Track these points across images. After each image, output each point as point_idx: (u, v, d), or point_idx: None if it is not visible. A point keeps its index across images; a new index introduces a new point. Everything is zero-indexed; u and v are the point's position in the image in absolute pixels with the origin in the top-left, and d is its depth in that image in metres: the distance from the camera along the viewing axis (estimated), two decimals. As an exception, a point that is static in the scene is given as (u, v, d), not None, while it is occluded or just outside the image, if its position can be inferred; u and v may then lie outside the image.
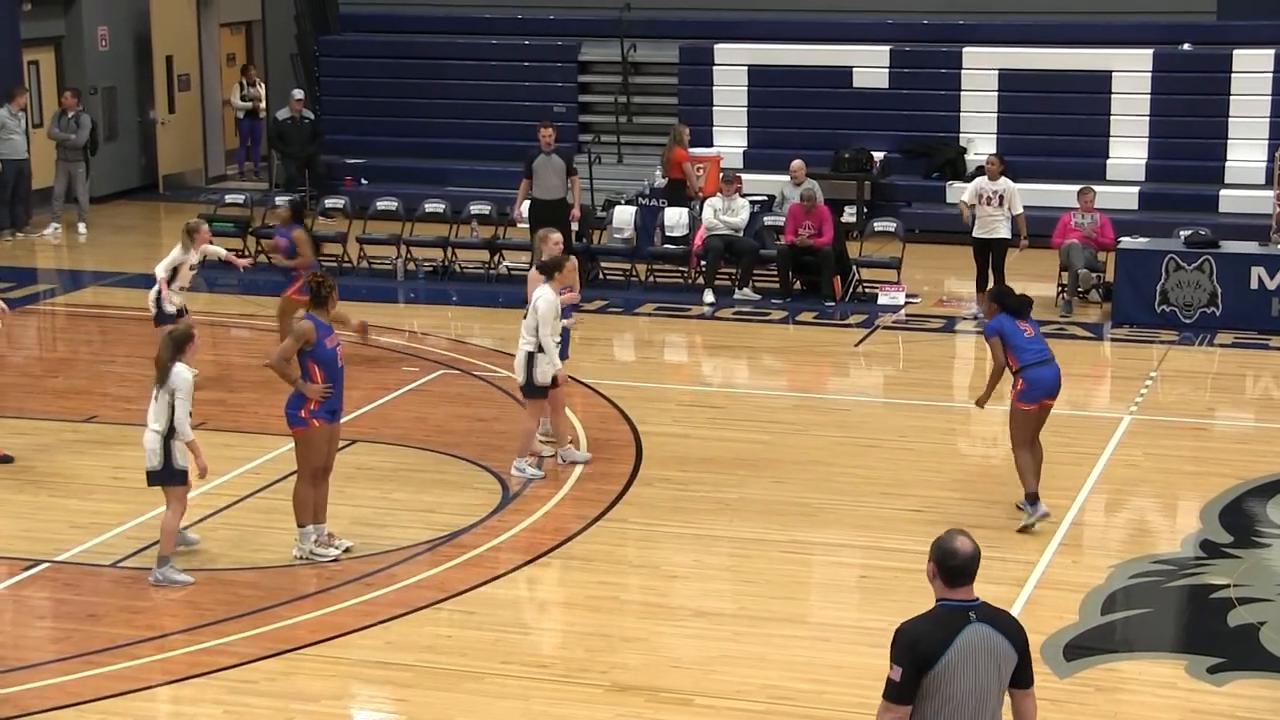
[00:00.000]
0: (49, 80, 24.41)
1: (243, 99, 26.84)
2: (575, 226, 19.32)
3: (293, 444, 11.64)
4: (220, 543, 11.87)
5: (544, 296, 12.78)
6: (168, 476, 10.99)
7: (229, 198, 22.27)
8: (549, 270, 12.98)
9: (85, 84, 24.64)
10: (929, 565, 6.33)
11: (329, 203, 21.75)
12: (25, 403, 14.34)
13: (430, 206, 21.16)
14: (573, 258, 13.54)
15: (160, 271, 14.86)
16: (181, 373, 10.90)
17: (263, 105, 26.52)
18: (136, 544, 11.71)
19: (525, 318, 12.87)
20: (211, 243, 15.29)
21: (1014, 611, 10.24)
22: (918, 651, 6.18)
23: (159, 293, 14.80)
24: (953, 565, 6.27)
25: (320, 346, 11.31)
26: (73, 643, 10.16)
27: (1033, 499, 11.98)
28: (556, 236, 13.59)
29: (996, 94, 22.99)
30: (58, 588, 11.09)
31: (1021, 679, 6.38)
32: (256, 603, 10.73)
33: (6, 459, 13.35)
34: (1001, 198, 18.76)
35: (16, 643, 10.21)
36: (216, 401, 14.72)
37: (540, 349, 12.74)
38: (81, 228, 22.76)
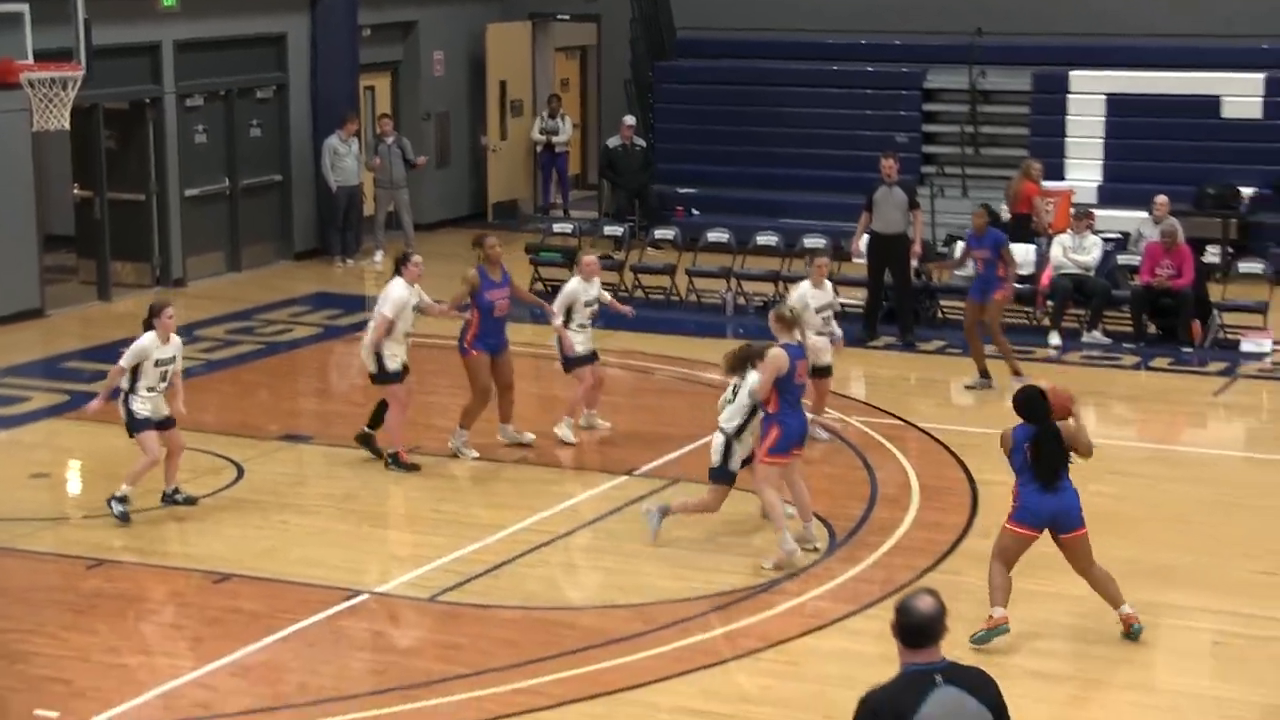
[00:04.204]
0: (384, 105, 25.38)
1: (541, 131, 26.68)
2: (915, 263, 19.25)
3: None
4: (537, 581, 12.16)
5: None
6: (723, 475, 12.42)
7: (557, 227, 22.77)
8: None
9: (419, 109, 25.58)
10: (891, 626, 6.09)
11: (659, 233, 22.13)
12: (353, 432, 14.92)
13: (763, 239, 21.36)
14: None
15: (127, 360, 13.07)
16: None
17: (559, 138, 26.56)
18: (455, 578, 12.09)
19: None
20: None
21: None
22: None
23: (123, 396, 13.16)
24: (908, 624, 6.01)
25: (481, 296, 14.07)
26: (390, 676, 10.52)
27: None
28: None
29: (1384, 125, 22.14)
30: (378, 619, 11.52)
31: None
32: (572, 644, 10.96)
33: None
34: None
35: (338, 672, 10.62)
36: (543, 435, 15.08)
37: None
38: (410, 256, 23.55)
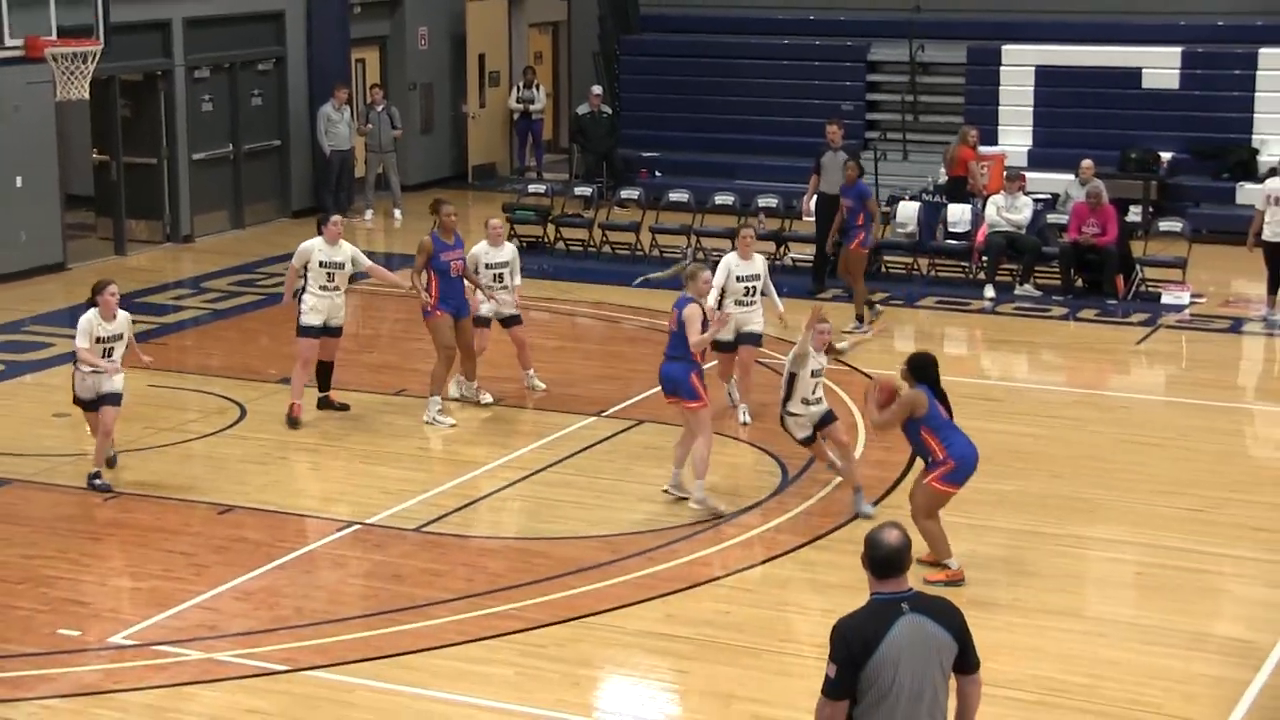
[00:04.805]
0: (373, 76, 25.12)
1: (518, 100, 26.25)
2: (860, 221, 19.07)
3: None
4: (513, 514, 12.02)
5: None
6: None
7: (531, 188, 22.60)
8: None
9: (405, 80, 25.31)
10: (862, 555, 6.03)
11: (624, 193, 21.90)
12: (342, 375, 14.72)
13: (720, 199, 21.18)
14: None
15: (81, 341, 12.31)
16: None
17: (534, 106, 26.21)
18: (438, 510, 11.94)
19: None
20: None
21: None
22: (851, 648, 5.89)
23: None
24: (877, 556, 5.96)
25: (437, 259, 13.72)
26: (379, 600, 10.40)
27: None
28: (705, 275, 12.08)
29: (1296, 94, 21.98)
30: (367, 548, 11.35)
31: (964, 665, 6.06)
32: (546, 571, 10.83)
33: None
34: (1290, 200, 17.56)
35: (331, 597, 10.52)
36: (516, 380, 14.90)
37: None
38: (397, 214, 23.34)
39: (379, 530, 11.62)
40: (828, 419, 11.92)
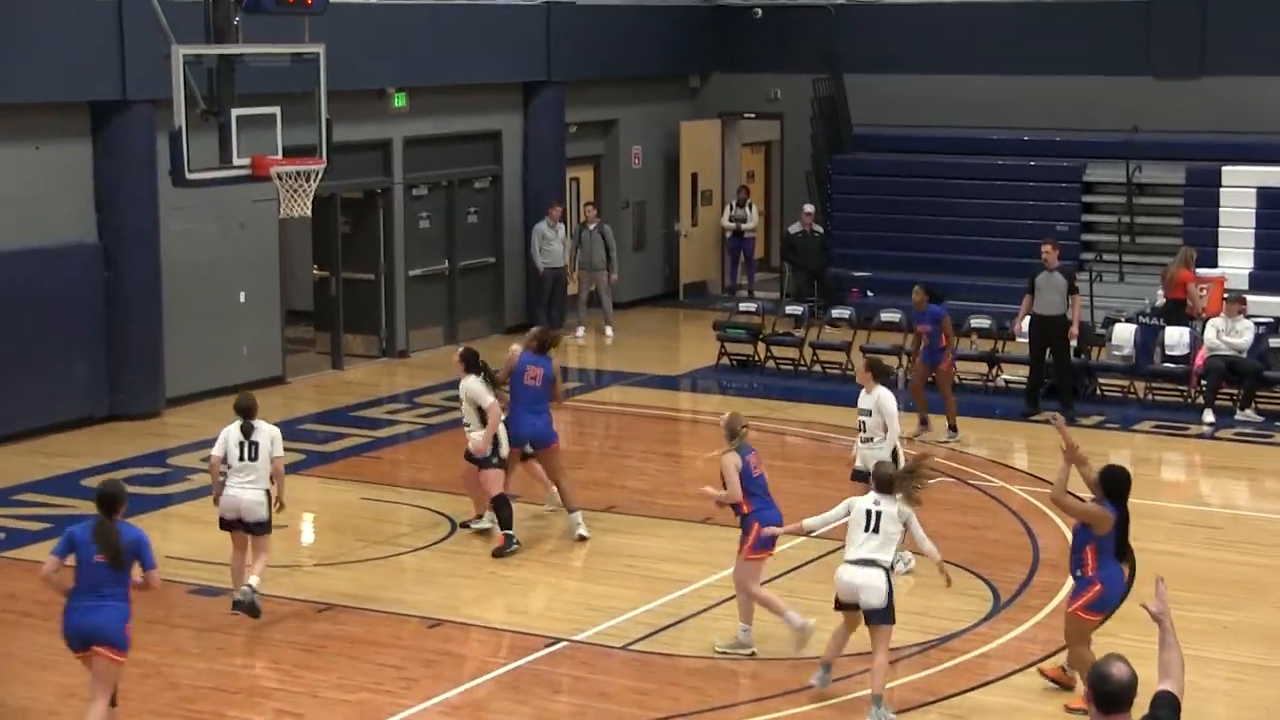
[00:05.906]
0: (587, 194, 25.61)
1: (730, 219, 26.65)
2: (1074, 343, 18.89)
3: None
4: (721, 633, 12.02)
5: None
6: (887, 615, 10.49)
7: (743, 306, 22.77)
8: None
9: (619, 198, 25.76)
10: (1085, 691, 5.89)
11: (835, 313, 21.97)
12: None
13: (933, 319, 21.08)
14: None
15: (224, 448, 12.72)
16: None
17: (746, 225, 26.58)
18: (645, 629, 12.01)
19: None
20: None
21: None
22: None
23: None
24: (1105, 692, 5.80)
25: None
26: (586, 718, 10.48)
27: None
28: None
29: None
30: (575, 665, 11.47)
31: None
32: (754, 693, 10.83)
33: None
34: None
35: (538, 714, 10.61)
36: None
37: None
38: (608, 331, 23.65)
39: (586, 647, 11.73)
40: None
